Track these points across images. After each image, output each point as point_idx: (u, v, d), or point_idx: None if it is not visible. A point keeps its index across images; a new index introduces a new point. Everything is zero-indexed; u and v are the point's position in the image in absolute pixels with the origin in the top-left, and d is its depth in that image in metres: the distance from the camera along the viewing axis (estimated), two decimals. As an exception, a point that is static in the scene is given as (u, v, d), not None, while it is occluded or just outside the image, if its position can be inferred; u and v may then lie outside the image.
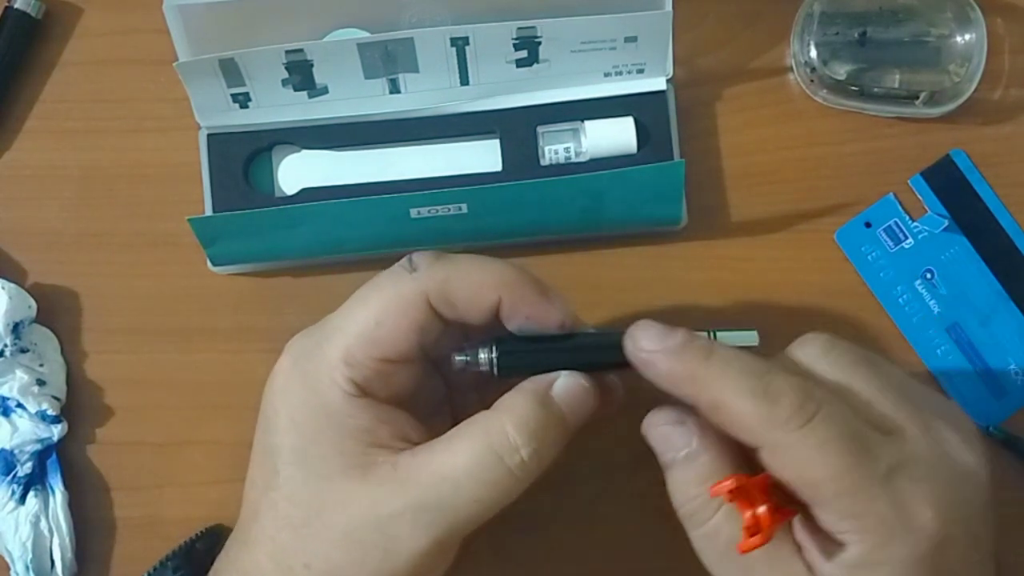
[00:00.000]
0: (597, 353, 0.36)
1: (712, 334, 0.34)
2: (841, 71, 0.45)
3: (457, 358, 0.36)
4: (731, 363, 0.32)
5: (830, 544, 0.32)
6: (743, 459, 0.34)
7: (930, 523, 0.31)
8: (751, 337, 0.34)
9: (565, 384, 0.34)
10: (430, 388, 0.38)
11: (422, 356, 0.36)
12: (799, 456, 0.31)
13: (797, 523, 0.33)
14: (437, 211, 0.42)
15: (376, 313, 0.34)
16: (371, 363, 0.33)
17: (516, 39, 0.42)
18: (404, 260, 0.35)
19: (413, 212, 0.42)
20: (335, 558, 0.33)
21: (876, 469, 0.31)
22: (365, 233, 0.43)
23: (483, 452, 0.33)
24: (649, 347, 0.33)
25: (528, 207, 0.43)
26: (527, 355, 0.36)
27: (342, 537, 0.32)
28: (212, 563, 0.36)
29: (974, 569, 0.32)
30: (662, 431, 0.34)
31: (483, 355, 0.36)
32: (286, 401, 0.34)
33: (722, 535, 0.33)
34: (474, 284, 0.34)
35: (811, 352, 0.34)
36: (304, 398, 0.34)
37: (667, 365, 0.33)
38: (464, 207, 0.42)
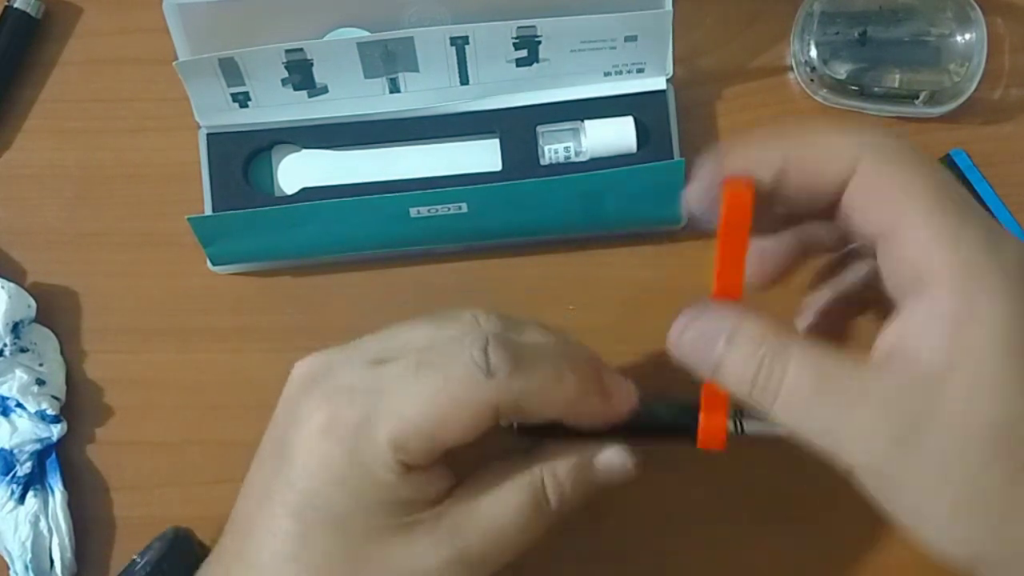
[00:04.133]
0: (630, 425, 0.35)
1: (739, 421, 0.34)
2: (841, 71, 0.45)
3: None
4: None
5: (923, 307, 0.29)
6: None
7: (1017, 266, 0.29)
8: (780, 429, 0.31)
9: (609, 459, 0.35)
10: None
11: None
12: (897, 179, 0.29)
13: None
14: (437, 210, 0.42)
15: (441, 412, 0.32)
16: (423, 451, 0.33)
17: (516, 38, 0.42)
18: (480, 354, 0.32)
19: (413, 211, 0.42)
20: None
21: (968, 209, 0.29)
22: (365, 232, 0.43)
23: (526, 505, 0.34)
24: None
25: (528, 207, 0.43)
26: (551, 424, 0.35)
27: None
28: None
29: None
30: (702, 323, 0.31)
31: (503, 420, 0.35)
32: (327, 467, 0.33)
33: (805, 375, 0.29)
34: (545, 405, 0.33)
35: None
36: (350, 469, 0.33)
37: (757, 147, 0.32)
38: (464, 206, 0.42)
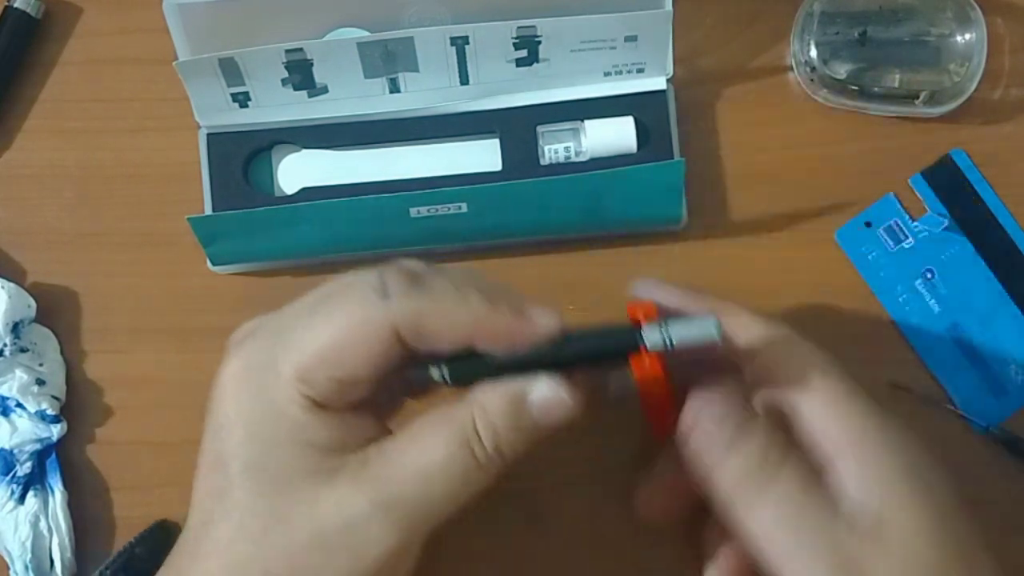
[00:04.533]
0: (560, 355, 0.33)
1: (664, 327, 0.32)
2: (841, 71, 0.45)
3: (408, 373, 0.35)
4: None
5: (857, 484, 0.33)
6: None
7: (911, 436, 0.34)
8: (709, 326, 0.32)
9: (542, 393, 0.33)
10: (388, 386, 0.36)
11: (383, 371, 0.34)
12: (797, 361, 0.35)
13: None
14: (437, 210, 0.42)
15: (338, 336, 0.32)
16: (329, 383, 0.32)
17: (516, 38, 0.42)
18: (375, 278, 0.32)
19: (413, 211, 0.42)
20: (298, 563, 0.31)
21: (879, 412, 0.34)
22: (365, 232, 0.43)
23: (454, 448, 0.32)
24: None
25: (528, 207, 0.43)
26: (481, 366, 0.34)
27: (306, 542, 0.31)
28: (155, 569, 0.35)
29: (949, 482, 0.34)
30: (716, 409, 0.34)
31: (434, 372, 0.34)
32: (240, 410, 0.33)
33: (794, 485, 0.33)
34: (446, 324, 0.32)
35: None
36: (260, 409, 0.32)
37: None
38: (464, 206, 0.42)
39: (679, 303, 0.36)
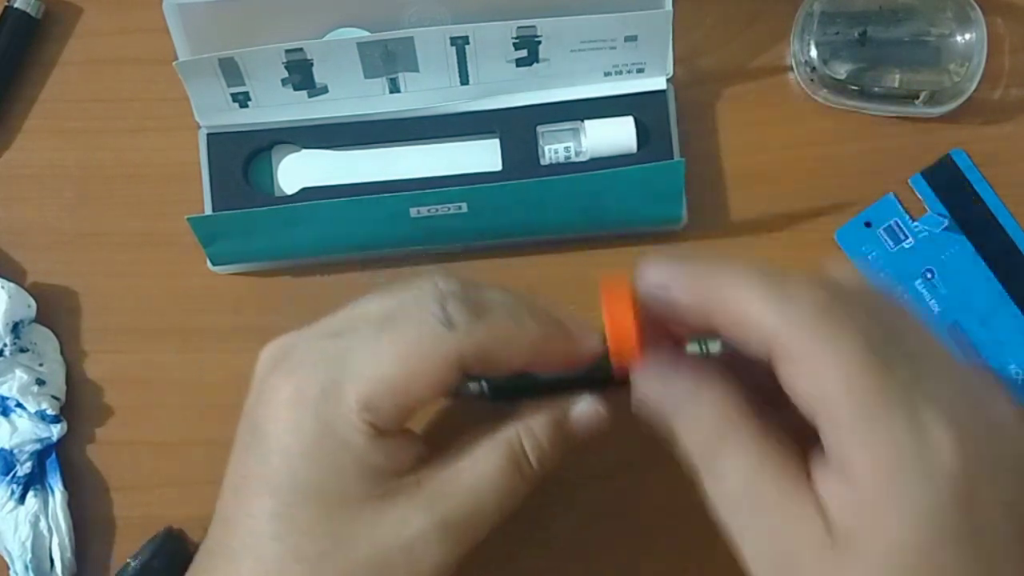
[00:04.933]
0: (596, 371, 0.35)
1: (703, 343, 0.34)
2: (841, 71, 0.45)
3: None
4: (745, 270, 0.30)
5: (839, 481, 0.29)
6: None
7: (950, 461, 0.27)
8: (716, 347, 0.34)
9: (583, 410, 0.36)
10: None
11: None
12: (816, 364, 0.29)
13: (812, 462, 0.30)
14: (437, 210, 0.42)
15: (408, 367, 0.33)
16: (393, 411, 0.33)
17: (516, 38, 0.42)
18: (436, 306, 0.33)
19: (413, 211, 0.42)
20: None
21: (898, 390, 0.28)
22: (365, 232, 0.43)
23: (504, 466, 0.34)
24: (659, 279, 0.32)
25: (528, 207, 0.43)
26: (520, 381, 0.36)
27: (365, 564, 0.32)
28: None
29: (1010, 546, 0.28)
30: (659, 381, 0.32)
31: (473, 387, 0.36)
32: (298, 437, 0.33)
33: (740, 474, 0.30)
34: (510, 351, 0.34)
35: (839, 270, 0.33)
36: (320, 436, 0.33)
37: (683, 290, 0.31)
38: (464, 206, 0.42)
39: (685, 289, 0.32)
